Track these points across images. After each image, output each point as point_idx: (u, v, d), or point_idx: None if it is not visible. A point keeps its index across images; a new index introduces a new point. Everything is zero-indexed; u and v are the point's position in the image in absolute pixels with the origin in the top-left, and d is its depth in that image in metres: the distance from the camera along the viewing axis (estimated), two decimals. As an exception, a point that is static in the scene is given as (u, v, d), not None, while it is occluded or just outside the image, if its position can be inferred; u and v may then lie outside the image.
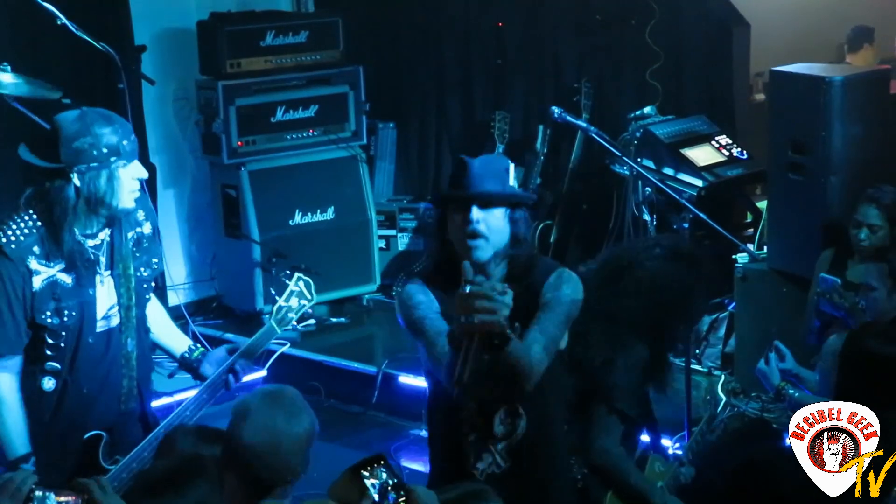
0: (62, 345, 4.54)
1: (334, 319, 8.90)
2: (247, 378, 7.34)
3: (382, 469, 3.16)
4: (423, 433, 7.47)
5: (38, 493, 3.08)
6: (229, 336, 8.55)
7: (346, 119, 9.14)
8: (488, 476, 4.19)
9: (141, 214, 4.69)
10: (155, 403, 5.19)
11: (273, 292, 8.47)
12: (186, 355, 4.90)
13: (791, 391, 5.36)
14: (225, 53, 8.68)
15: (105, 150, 4.45)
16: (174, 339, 4.96)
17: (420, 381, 7.68)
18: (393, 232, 9.47)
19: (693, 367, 6.96)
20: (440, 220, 4.22)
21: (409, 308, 4.19)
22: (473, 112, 9.75)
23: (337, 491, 3.18)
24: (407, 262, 9.36)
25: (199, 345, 4.95)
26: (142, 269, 4.69)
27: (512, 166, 4.33)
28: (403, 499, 3.18)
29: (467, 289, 3.84)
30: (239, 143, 8.73)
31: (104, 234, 4.57)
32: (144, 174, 4.56)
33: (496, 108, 9.24)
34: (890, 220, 6.15)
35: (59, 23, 7.16)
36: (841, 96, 6.54)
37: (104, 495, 3.06)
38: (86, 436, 4.52)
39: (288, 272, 5.34)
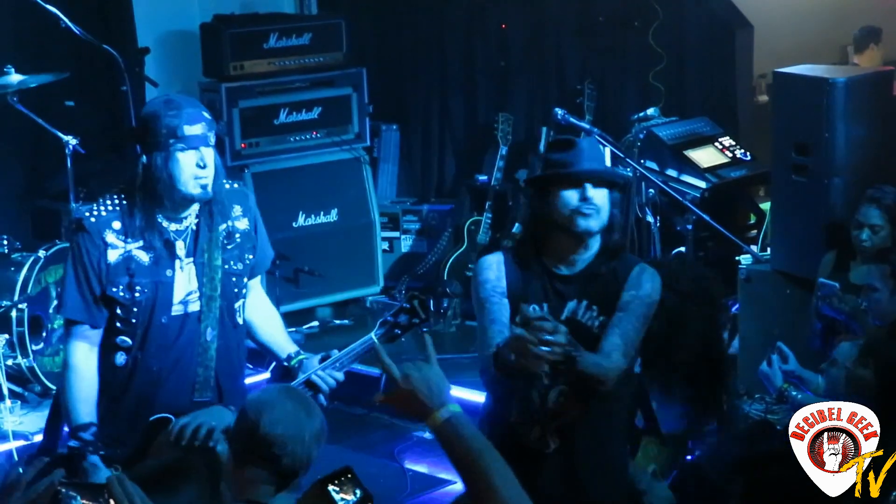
0: (133, 320, 4.57)
1: (337, 321, 8.91)
2: (250, 380, 7.39)
3: (351, 483, 3.16)
4: (427, 435, 7.47)
5: (64, 492, 3.06)
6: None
7: (350, 121, 9.14)
8: (536, 452, 4.22)
9: (237, 210, 4.70)
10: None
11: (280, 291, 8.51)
12: (286, 362, 4.88)
13: (794, 393, 5.36)
14: (228, 56, 8.68)
15: (164, 132, 4.48)
16: (279, 343, 4.94)
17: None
18: (396, 234, 9.47)
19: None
20: (539, 197, 4.30)
21: (476, 283, 4.36)
22: (477, 114, 9.76)
23: None
24: (410, 264, 9.36)
25: (301, 351, 4.93)
26: (231, 262, 4.68)
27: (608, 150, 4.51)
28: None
29: (517, 331, 3.99)
30: (242, 145, 8.73)
31: (189, 221, 4.60)
32: (208, 163, 4.54)
33: (499, 109, 9.24)
34: (891, 220, 6.14)
35: (62, 25, 7.19)
36: (844, 98, 6.53)
37: None
38: (152, 417, 4.51)
39: (404, 291, 5.42)
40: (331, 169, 9.07)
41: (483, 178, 9.10)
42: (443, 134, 9.90)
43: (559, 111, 7.91)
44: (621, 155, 7.86)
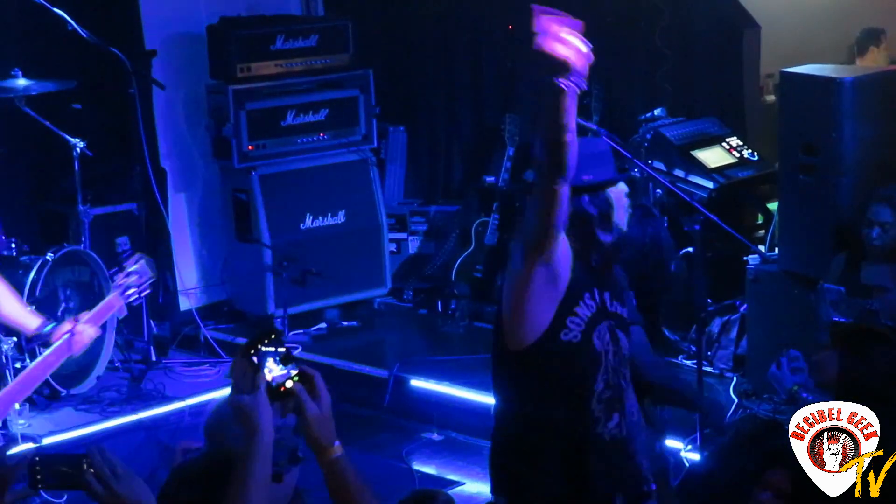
0: None
1: (345, 323, 8.90)
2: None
3: (274, 344, 3.13)
4: (436, 436, 7.47)
5: (39, 458, 3.02)
6: (240, 341, 8.55)
7: (357, 123, 9.14)
8: (614, 438, 4.17)
9: None
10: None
11: (279, 293, 8.52)
12: (42, 329, 5.51)
13: (805, 394, 5.32)
14: (235, 57, 8.68)
15: None
16: (23, 314, 5.58)
17: (431, 385, 7.68)
18: (404, 235, 9.47)
19: (705, 368, 6.95)
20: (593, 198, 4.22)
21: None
22: (484, 115, 9.75)
23: (232, 374, 3.18)
24: (418, 266, 9.36)
25: (51, 319, 5.52)
26: None
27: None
28: (296, 372, 3.15)
29: None
30: (249, 147, 8.73)
31: None
32: None
33: (506, 110, 9.23)
34: (901, 218, 6.15)
35: (69, 28, 7.20)
36: (851, 97, 6.53)
37: (117, 482, 3.01)
38: None
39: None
40: (338, 171, 9.07)
41: (490, 179, 9.09)
42: (450, 135, 9.89)
43: (566, 112, 7.90)
44: (628, 155, 7.84)
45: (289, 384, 3.15)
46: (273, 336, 3.16)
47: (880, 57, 9.68)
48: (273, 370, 3.13)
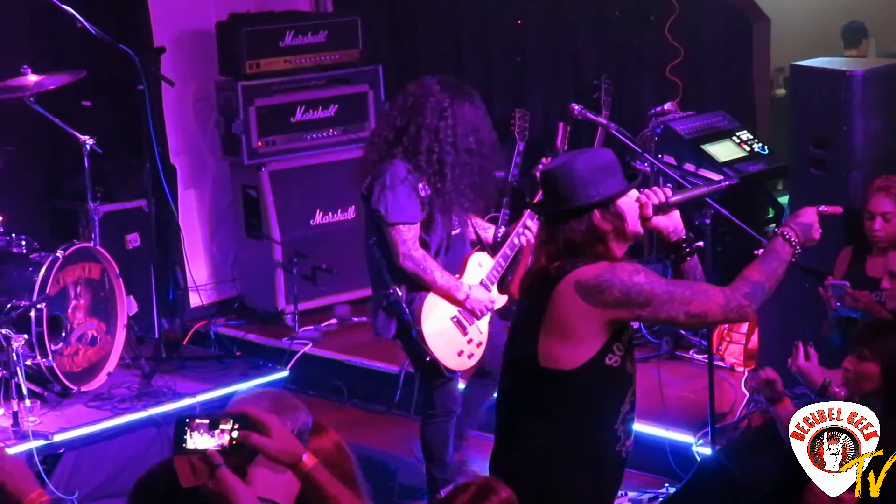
0: None
1: (356, 319, 8.90)
2: (265, 379, 7.41)
3: (197, 424, 3.00)
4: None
5: None
6: (251, 337, 8.57)
7: (366, 118, 9.14)
8: (626, 456, 4.26)
9: None
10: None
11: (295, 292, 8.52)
12: None
13: (837, 389, 5.24)
14: (244, 54, 8.68)
15: None
16: None
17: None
18: (414, 231, 9.45)
19: (715, 362, 6.94)
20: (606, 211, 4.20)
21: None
22: (493, 110, 9.70)
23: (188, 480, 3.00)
24: (428, 261, 9.34)
25: None
26: None
27: None
28: (237, 425, 3.01)
29: None
30: (259, 143, 8.74)
31: None
32: None
33: (516, 105, 9.21)
34: (901, 206, 6.15)
35: (78, 25, 7.20)
36: (862, 90, 6.51)
37: (1, 459, 2.89)
38: None
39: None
40: (347, 166, 9.04)
41: (500, 174, 9.07)
42: (459, 130, 9.87)
43: (576, 106, 7.90)
44: (638, 150, 7.85)
45: (234, 434, 3.02)
46: (186, 420, 3.02)
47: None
48: (210, 439, 3.00)
